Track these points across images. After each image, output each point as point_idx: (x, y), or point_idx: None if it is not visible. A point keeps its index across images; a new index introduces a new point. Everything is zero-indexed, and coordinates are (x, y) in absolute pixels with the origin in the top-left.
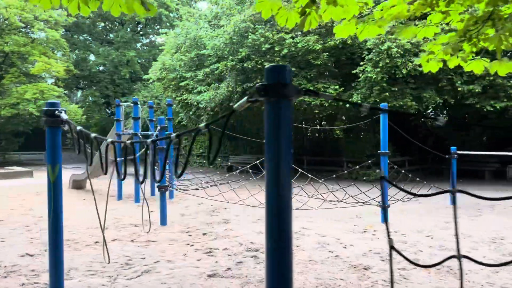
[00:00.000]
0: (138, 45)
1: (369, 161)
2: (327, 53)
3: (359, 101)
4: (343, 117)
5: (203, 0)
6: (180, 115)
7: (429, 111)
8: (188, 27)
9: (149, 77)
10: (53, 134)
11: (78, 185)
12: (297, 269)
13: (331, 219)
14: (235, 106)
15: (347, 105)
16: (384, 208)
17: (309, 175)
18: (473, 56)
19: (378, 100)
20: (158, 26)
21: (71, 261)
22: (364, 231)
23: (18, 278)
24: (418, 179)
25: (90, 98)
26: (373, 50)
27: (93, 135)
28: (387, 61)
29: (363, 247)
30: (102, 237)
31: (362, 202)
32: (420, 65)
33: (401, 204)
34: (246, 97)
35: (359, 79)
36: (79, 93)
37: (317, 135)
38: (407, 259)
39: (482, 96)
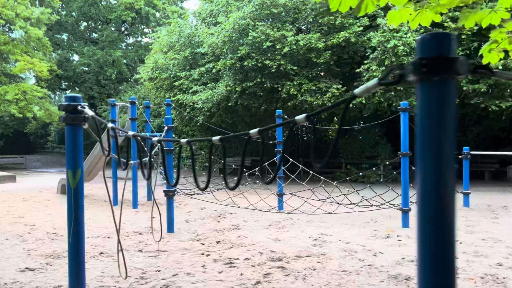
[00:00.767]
0: (123, 44)
1: (364, 165)
2: (329, 52)
3: (363, 102)
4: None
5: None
6: (171, 115)
7: None
8: (182, 24)
9: (140, 76)
10: (74, 133)
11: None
12: (333, 281)
13: (346, 224)
14: (356, 90)
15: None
16: (405, 212)
17: (322, 178)
18: None
19: (382, 100)
20: (143, 26)
21: None
22: (387, 237)
23: None
24: None
25: None
26: (378, 48)
27: (131, 133)
28: (393, 59)
29: (395, 255)
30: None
31: (377, 206)
32: None
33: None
34: (375, 79)
35: (361, 78)
36: (62, 95)
37: (312, 136)
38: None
39: (486, 96)
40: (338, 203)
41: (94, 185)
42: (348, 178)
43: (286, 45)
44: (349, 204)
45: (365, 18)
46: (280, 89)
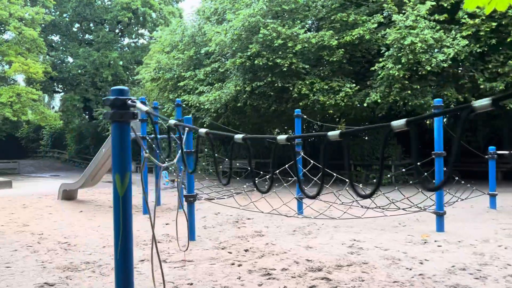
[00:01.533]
0: (119, 46)
1: (375, 166)
2: (342, 49)
3: (378, 100)
4: (343, 119)
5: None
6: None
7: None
8: (185, 23)
9: (142, 77)
10: (122, 131)
11: (68, 195)
12: None
13: (375, 228)
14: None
15: (358, 105)
16: (440, 215)
17: (347, 180)
18: None
19: (398, 99)
20: (139, 27)
21: None
22: (425, 242)
23: None
24: (463, 182)
25: (68, 102)
26: (394, 46)
27: (203, 130)
28: (410, 56)
29: (442, 263)
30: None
31: (406, 209)
32: (443, 61)
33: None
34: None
35: (375, 77)
36: (57, 97)
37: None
38: None
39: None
40: (366, 207)
41: (95, 190)
42: (360, 184)
43: (298, 43)
44: (376, 207)
45: (379, 15)
46: (291, 88)
